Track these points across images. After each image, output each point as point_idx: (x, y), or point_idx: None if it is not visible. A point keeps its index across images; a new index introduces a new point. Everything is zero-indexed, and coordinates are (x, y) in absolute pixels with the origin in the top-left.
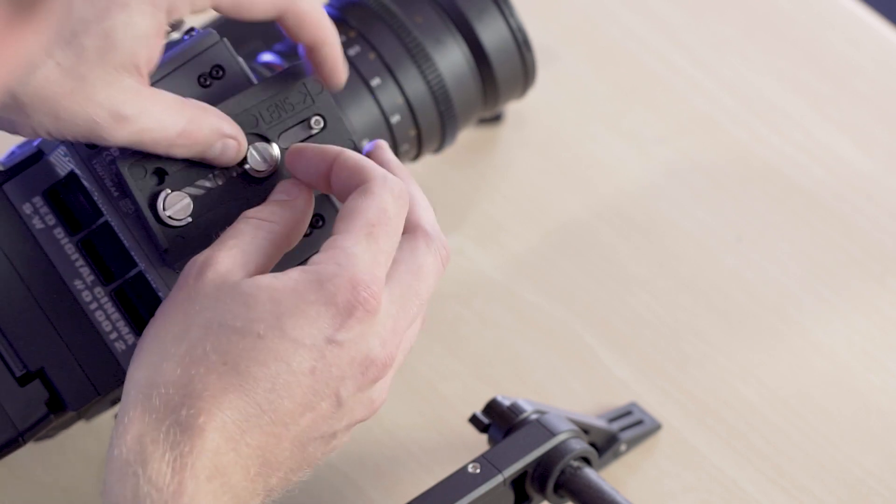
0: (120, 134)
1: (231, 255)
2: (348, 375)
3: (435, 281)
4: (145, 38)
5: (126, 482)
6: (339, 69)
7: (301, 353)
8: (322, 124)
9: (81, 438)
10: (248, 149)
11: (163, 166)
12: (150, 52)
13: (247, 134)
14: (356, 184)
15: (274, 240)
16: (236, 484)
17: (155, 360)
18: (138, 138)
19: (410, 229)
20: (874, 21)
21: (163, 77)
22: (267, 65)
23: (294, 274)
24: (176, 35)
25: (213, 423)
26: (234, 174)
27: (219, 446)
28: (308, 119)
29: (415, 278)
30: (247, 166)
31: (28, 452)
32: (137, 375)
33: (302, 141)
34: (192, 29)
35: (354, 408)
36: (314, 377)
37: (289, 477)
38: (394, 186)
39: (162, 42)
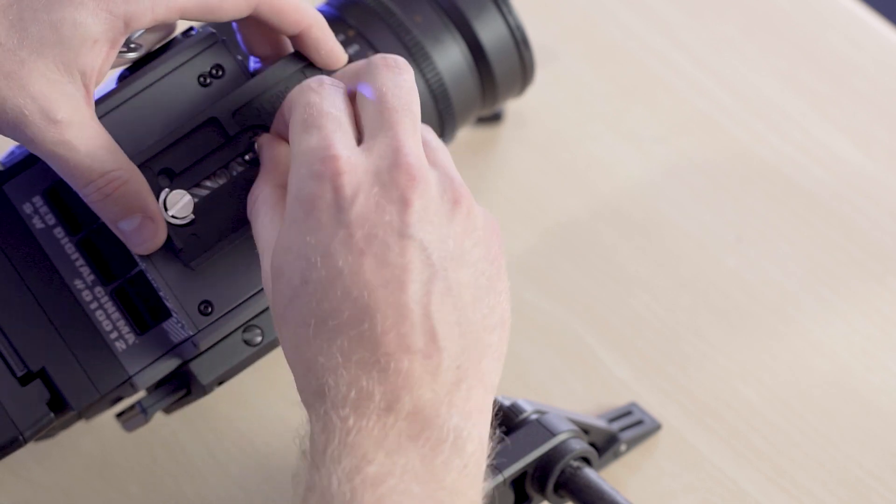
0: (45, 137)
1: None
2: (385, 217)
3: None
4: (93, 42)
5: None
6: (335, 49)
7: (338, 255)
8: None
9: (81, 438)
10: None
11: (170, 166)
12: (97, 61)
13: (251, 126)
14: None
15: None
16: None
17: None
18: (61, 153)
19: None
20: (874, 21)
21: (163, 76)
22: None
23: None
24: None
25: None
26: (236, 172)
27: None
28: None
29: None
30: (248, 157)
31: (28, 452)
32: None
33: None
34: (190, 29)
35: (423, 229)
36: (367, 255)
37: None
38: (307, 84)
39: (113, 54)
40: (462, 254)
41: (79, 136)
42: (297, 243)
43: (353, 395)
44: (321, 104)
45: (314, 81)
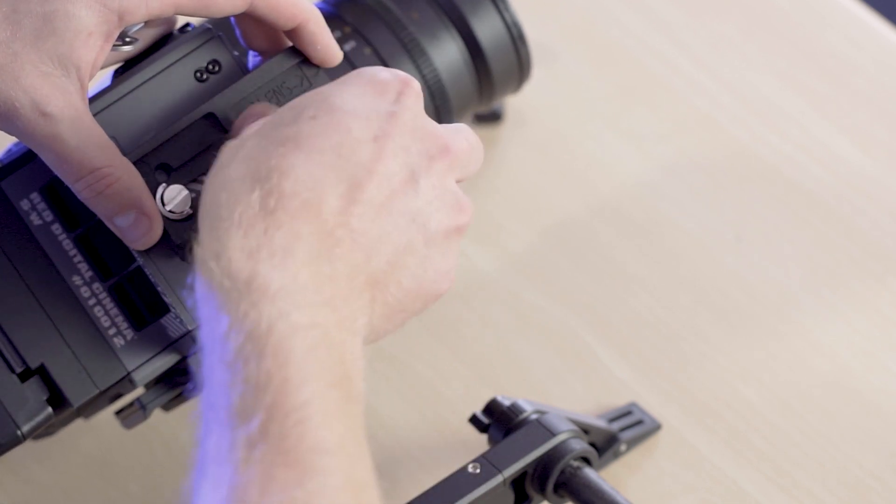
0: (35, 130)
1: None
2: (413, 147)
3: None
4: (87, 35)
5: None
6: (331, 44)
7: (359, 121)
8: None
9: (81, 438)
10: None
11: (168, 161)
12: (91, 54)
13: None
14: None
15: None
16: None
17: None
18: (51, 146)
19: None
20: (874, 21)
21: (160, 72)
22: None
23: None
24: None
25: (285, 198)
26: None
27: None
28: None
29: None
30: None
31: (28, 452)
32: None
33: None
34: (187, 25)
35: (431, 197)
36: (378, 144)
37: (382, 270)
38: None
39: (107, 47)
40: (432, 240)
41: (70, 131)
42: (329, 92)
43: (284, 230)
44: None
45: None
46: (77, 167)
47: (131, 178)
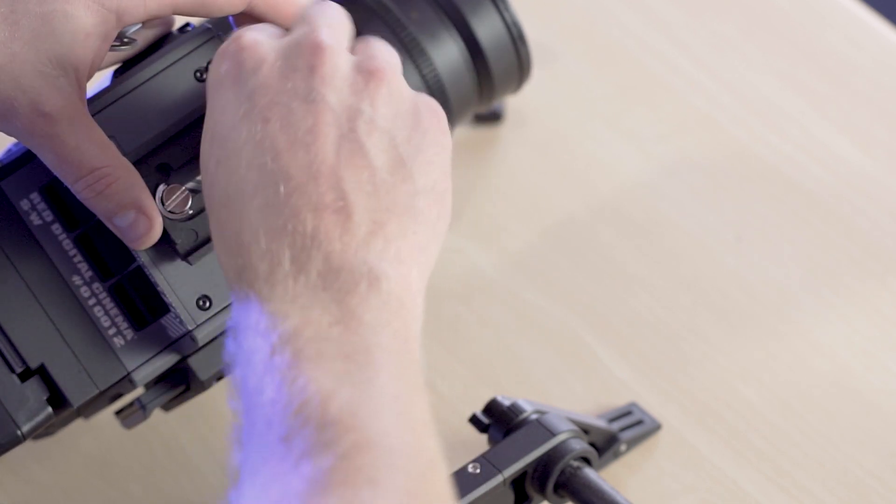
0: (34, 131)
1: None
2: (288, 84)
3: None
4: (85, 36)
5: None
6: None
7: (243, 128)
8: None
9: (81, 438)
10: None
11: (167, 162)
12: (89, 54)
13: None
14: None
15: None
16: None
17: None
18: (49, 146)
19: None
20: (874, 21)
21: (160, 72)
22: None
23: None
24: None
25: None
26: None
27: None
28: None
29: None
30: None
31: (28, 452)
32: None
33: None
34: (187, 24)
35: (329, 94)
36: (271, 122)
37: (390, 207)
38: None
39: (105, 48)
40: (375, 118)
41: (68, 131)
42: (208, 128)
43: (264, 268)
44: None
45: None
46: (76, 167)
47: (130, 177)
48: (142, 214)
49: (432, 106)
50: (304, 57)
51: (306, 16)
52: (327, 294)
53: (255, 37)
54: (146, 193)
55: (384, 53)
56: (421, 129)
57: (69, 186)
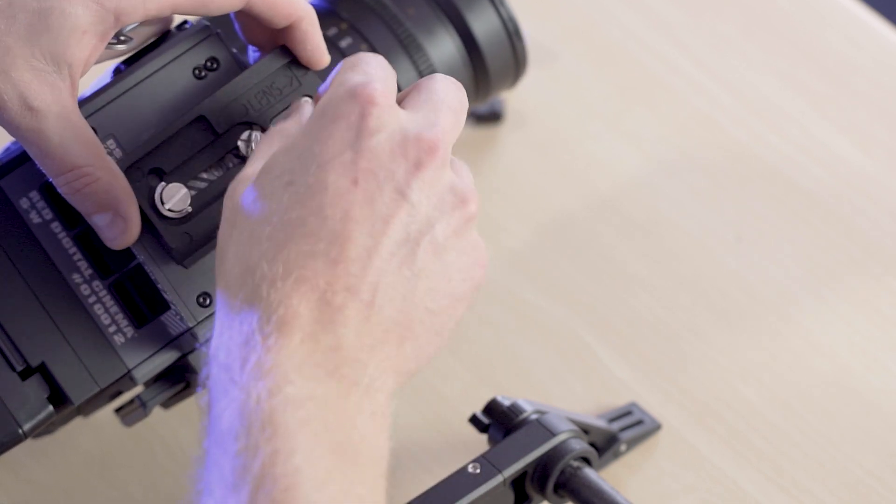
0: (20, 123)
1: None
2: (391, 166)
3: None
4: (81, 33)
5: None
6: (320, 45)
7: (333, 170)
8: None
9: (81, 437)
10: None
11: (160, 165)
12: (84, 52)
13: (239, 123)
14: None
15: None
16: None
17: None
18: (34, 140)
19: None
20: (874, 21)
21: (158, 70)
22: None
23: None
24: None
25: (278, 281)
26: (231, 164)
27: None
28: None
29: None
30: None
31: (28, 452)
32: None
33: None
34: (185, 22)
35: (429, 207)
36: (359, 187)
37: (401, 310)
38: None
39: (101, 46)
40: (443, 247)
41: (54, 127)
42: (301, 146)
43: (280, 312)
44: (370, 61)
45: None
46: (59, 163)
47: (112, 178)
48: (119, 217)
49: (485, 260)
50: (418, 150)
51: (434, 102)
52: (329, 379)
53: (389, 101)
54: (127, 195)
55: (474, 190)
56: (468, 279)
57: (52, 181)
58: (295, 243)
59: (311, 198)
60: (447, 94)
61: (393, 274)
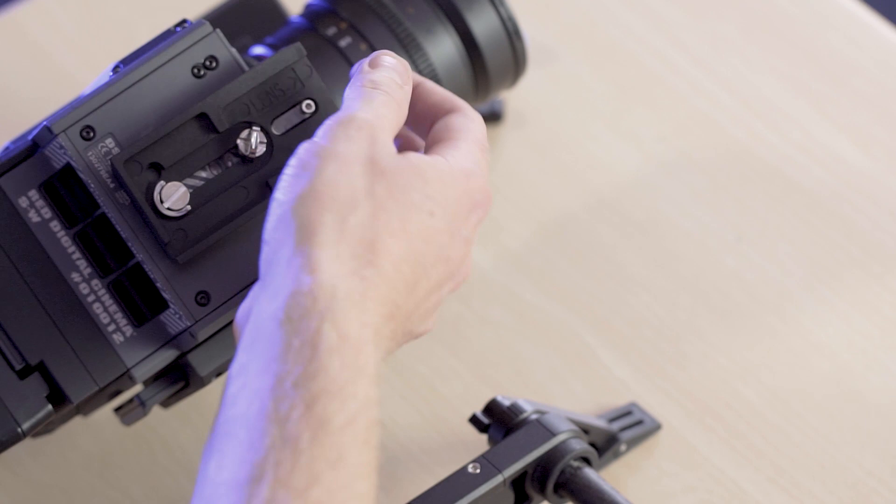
0: None
1: (388, 122)
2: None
3: None
4: None
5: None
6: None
7: (451, 238)
8: (313, 108)
9: (80, 437)
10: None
11: (159, 160)
12: None
13: (240, 123)
14: (447, 109)
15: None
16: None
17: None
18: None
19: None
20: (874, 21)
21: (157, 68)
22: (258, 57)
23: (443, 162)
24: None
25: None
26: (230, 163)
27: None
28: (299, 103)
29: None
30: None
31: (28, 452)
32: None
33: (296, 125)
34: (184, 21)
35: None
36: (449, 264)
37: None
38: (476, 114)
39: None
40: (458, 280)
41: None
42: (422, 162)
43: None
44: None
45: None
46: None
47: None
48: None
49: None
50: (484, 207)
51: (479, 163)
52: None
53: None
54: None
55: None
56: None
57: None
58: (406, 263)
59: (437, 239)
60: (482, 134)
61: (423, 309)
